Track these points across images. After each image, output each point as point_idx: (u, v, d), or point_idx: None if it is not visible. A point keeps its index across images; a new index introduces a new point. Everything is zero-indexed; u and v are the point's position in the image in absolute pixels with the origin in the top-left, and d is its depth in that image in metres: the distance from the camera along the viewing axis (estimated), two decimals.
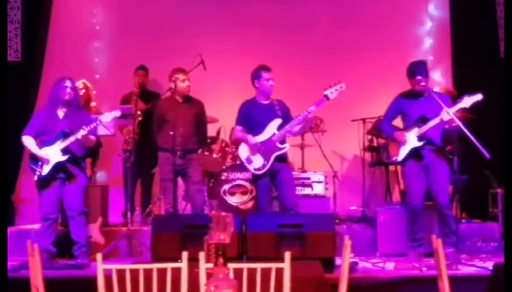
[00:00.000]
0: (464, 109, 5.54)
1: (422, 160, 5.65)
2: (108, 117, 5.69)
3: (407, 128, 5.74)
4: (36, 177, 5.60)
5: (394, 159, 5.79)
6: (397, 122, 5.99)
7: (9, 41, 7.22)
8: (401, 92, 5.87)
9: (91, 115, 6.06)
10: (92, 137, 5.68)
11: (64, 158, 5.54)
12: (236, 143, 6.45)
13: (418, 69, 5.71)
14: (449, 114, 5.36)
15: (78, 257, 5.61)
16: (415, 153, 5.64)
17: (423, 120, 5.58)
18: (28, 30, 7.38)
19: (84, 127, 5.49)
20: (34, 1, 7.43)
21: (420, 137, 5.60)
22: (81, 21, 8.11)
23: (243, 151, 5.96)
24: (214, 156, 7.04)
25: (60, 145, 5.52)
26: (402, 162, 5.74)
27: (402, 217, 6.16)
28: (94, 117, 5.79)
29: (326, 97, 5.73)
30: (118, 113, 5.76)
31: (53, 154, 5.54)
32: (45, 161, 5.54)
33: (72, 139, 5.50)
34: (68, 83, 5.68)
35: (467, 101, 5.42)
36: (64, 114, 5.68)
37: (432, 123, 5.51)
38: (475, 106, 5.47)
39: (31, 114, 7.09)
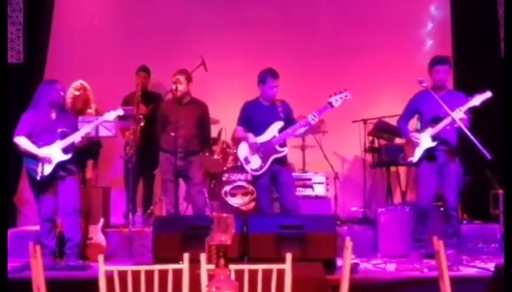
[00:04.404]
0: (472, 108, 5.51)
1: (435, 161, 5.63)
2: (111, 115, 5.69)
3: (422, 128, 5.73)
4: (38, 178, 5.50)
5: (410, 160, 5.76)
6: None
7: (11, 43, 7.21)
8: (419, 90, 5.80)
9: (91, 116, 6.06)
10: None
11: (67, 157, 5.53)
12: (238, 143, 6.45)
13: (437, 60, 5.74)
14: (460, 112, 5.33)
15: (69, 256, 5.54)
16: (428, 154, 5.63)
17: (436, 120, 5.55)
18: (30, 32, 7.37)
19: (85, 125, 5.55)
20: (36, 3, 7.42)
21: (434, 138, 5.57)
22: (83, 22, 8.10)
23: (242, 151, 5.96)
24: (216, 157, 7.04)
25: (60, 144, 5.52)
26: (417, 163, 5.71)
27: (403, 218, 6.17)
28: (92, 117, 5.80)
29: (330, 104, 5.71)
30: (121, 112, 5.75)
31: (55, 153, 5.52)
32: (46, 161, 5.50)
33: (73, 137, 5.52)
34: (60, 86, 5.73)
35: (478, 99, 5.42)
36: (55, 116, 5.68)
37: (444, 122, 5.47)
38: (482, 104, 5.46)
39: None
